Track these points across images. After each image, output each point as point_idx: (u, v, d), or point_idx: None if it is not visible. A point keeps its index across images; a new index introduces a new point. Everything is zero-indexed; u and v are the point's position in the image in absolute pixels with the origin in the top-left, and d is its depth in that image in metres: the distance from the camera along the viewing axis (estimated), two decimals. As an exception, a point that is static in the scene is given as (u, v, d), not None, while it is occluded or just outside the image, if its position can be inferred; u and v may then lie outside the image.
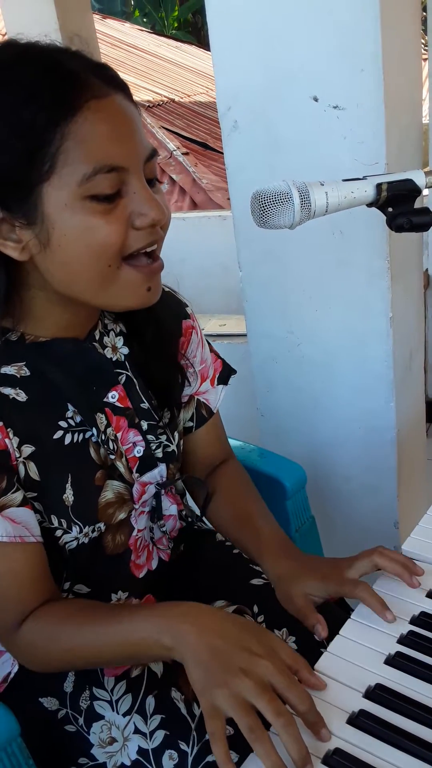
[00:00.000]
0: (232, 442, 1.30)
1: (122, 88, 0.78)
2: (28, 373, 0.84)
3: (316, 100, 1.25)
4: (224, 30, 1.29)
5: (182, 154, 5.65)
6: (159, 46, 9.36)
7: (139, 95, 6.51)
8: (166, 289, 1.02)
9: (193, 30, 13.87)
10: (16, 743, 0.82)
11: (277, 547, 0.96)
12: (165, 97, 7.07)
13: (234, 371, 1.12)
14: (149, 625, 0.76)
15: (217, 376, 1.09)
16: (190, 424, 1.06)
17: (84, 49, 0.79)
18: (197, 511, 1.05)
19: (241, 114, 1.33)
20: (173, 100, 7.11)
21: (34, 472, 0.83)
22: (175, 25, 13.85)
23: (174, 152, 5.68)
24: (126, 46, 8.43)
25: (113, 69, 0.78)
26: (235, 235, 1.46)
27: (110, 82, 0.76)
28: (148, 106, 6.44)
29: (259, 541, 0.98)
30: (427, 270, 2.79)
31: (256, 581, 1.01)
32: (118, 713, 0.87)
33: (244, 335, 1.59)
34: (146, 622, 0.76)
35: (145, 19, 13.45)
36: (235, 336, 1.96)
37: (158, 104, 6.70)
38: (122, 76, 0.80)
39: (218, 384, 1.09)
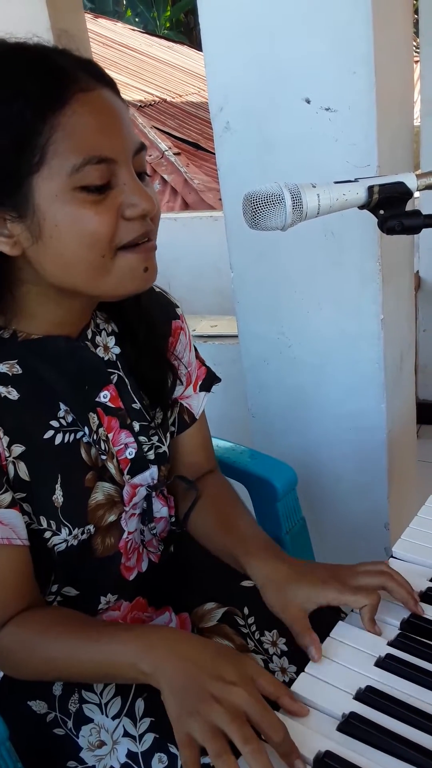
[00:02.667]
0: (222, 443, 1.30)
1: (109, 83, 0.79)
2: (20, 371, 0.83)
3: (308, 101, 1.25)
4: (216, 31, 1.29)
5: (174, 154, 5.65)
6: (151, 46, 9.35)
7: (130, 95, 6.52)
8: (157, 290, 1.02)
9: (185, 30, 13.87)
10: (5, 747, 0.82)
11: (264, 547, 0.92)
12: (157, 97, 7.06)
13: (218, 379, 1.11)
14: (128, 649, 0.75)
15: (199, 383, 1.08)
16: (172, 428, 1.05)
17: (72, 45, 0.79)
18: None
19: (233, 115, 1.33)
20: (165, 100, 7.10)
21: (24, 472, 0.82)
22: (167, 25, 13.84)
23: (165, 152, 5.67)
24: (118, 46, 8.42)
25: (100, 65, 0.79)
26: (226, 236, 1.45)
27: (97, 77, 0.77)
28: (140, 105, 6.42)
29: (243, 542, 0.94)
30: (418, 272, 2.81)
31: (246, 583, 1.01)
32: (107, 716, 0.87)
33: (236, 336, 1.58)
34: (125, 645, 0.76)
35: (137, 19, 13.44)
36: (227, 337, 1.95)
37: (150, 104, 6.69)
38: (114, 75, 0.80)
39: (200, 390, 1.08)
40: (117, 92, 0.80)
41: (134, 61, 8.18)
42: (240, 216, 0.84)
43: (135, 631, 0.79)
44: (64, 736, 0.88)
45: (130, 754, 0.82)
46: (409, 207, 0.87)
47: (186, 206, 5.17)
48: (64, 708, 0.89)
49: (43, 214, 0.74)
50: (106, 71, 0.80)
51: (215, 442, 1.30)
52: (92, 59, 0.79)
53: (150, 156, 5.66)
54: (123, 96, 0.81)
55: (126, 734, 0.84)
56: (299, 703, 0.71)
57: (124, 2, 13.77)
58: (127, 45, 8.72)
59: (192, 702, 0.68)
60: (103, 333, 0.93)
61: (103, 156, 0.74)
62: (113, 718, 0.86)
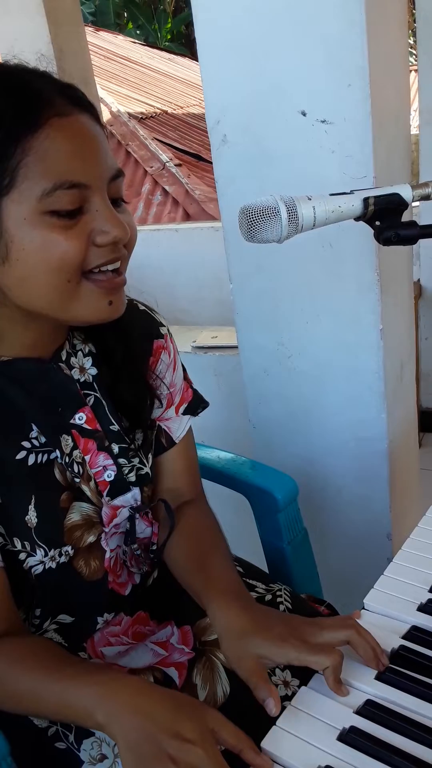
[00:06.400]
0: (223, 454, 1.30)
1: (88, 108, 0.78)
2: None
3: (304, 114, 1.25)
4: (212, 45, 1.30)
5: (175, 165, 5.68)
6: (152, 58, 9.43)
7: (132, 107, 6.57)
8: (142, 308, 1.00)
9: (186, 42, 13.95)
10: (6, 762, 0.82)
11: (228, 593, 0.86)
12: (158, 108, 7.10)
13: (206, 404, 1.08)
14: (86, 694, 0.72)
15: (184, 406, 1.04)
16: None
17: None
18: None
19: (230, 128, 1.34)
20: (166, 112, 7.15)
21: None
22: (168, 37, 13.94)
23: (167, 164, 5.71)
24: (119, 59, 8.49)
25: (80, 90, 0.79)
26: (225, 248, 1.46)
27: (76, 102, 0.77)
28: (141, 118, 6.46)
29: (209, 585, 0.88)
30: (419, 280, 2.81)
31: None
32: (108, 730, 0.86)
33: (236, 347, 1.59)
34: (85, 689, 0.73)
35: (138, 31, 13.53)
36: (227, 348, 1.95)
37: (151, 116, 6.73)
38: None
39: (185, 414, 1.04)
40: (96, 118, 0.79)
41: (135, 73, 8.25)
42: (238, 228, 0.85)
43: (96, 677, 0.75)
44: (66, 750, 0.87)
45: (132, 769, 0.82)
46: (405, 217, 0.88)
47: (187, 217, 5.19)
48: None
49: (11, 237, 0.73)
50: (87, 96, 0.79)
51: (216, 453, 1.30)
52: (72, 84, 0.79)
53: (151, 167, 5.70)
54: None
55: (127, 748, 0.83)
56: (262, 757, 0.68)
57: (125, 15, 13.87)
58: (128, 57, 8.79)
59: (148, 761, 0.65)
60: (80, 354, 0.92)
61: (75, 181, 0.73)
62: (114, 731, 0.86)
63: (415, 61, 2.75)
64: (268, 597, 1.04)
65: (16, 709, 0.82)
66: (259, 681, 0.75)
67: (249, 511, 1.25)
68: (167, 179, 5.59)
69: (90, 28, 8.63)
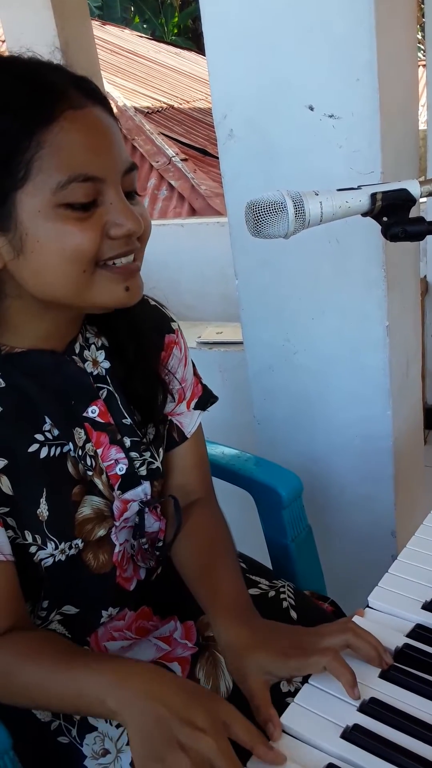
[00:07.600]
0: (227, 450, 1.30)
1: (101, 101, 0.78)
2: (3, 385, 0.83)
3: (311, 109, 1.25)
4: (220, 39, 1.30)
5: (181, 160, 5.67)
6: (158, 53, 9.40)
7: (138, 101, 6.56)
8: (152, 303, 1.00)
9: (192, 36, 13.90)
10: (8, 756, 0.82)
11: (233, 608, 0.86)
12: (164, 103, 7.09)
13: (215, 398, 1.08)
14: (98, 682, 0.72)
15: (195, 401, 1.05)
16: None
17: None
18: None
19: (236, 123, 1.33)
20: (172, 107, 7.14)
21: (6, 486, 0.81)
22: (175, 31, 13.90)
23: (173, 158, 5.70)
24: (125, 53, 8.47)
25: (94, 82, 0.79)
26: (231, 243, 1.45)
27: (89, 94, 0.77)
28: (147, 112, 6.45)
29: (214, 598, 0.88)
30: (425, 277, 2.80)
31: (253, 591, 1.01)
32: (111, 724, 0.87)
33: (241, 343, 1.58)
34: (96, 676, 0.72)
35: (145, 26, 13.49)
36: (232, 344, 1.95)
37: (157, 110, 6.72)
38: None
39: (195, 408, 1.05)
40: (109, 110, 0.79)
41: (142, 67, 8.23)
42: (244, 223, 0.84)
43: (108, 663, 0.75)
44: (68, 744, 0.88)
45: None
46: (413, 213, 0.87)
47: (193, 212, 5.19)
48: (68, 716, 0.89)
49: (25, 229, 0.74)
50: (100, 89, 0.79)
51: (220, 449, 1.30)
52: (86, 76, 0.79)
53: (157, 162, 5.69)
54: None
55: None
56: (275, 751, 0.67)
57: (132, 9, 13.83)
58: (135, 51, 8.77)
59: (158, 748, 0.65)
60: (93, 347, 0.92)
61: (90, 174, 0.73)
62: (117, 726, 0.86)
63: (423, 56, 2.73)
64: (272, 593, 1.04)
65: (25, 702, 0.82)
66: (260, 704, 0.74)
67: (253, 508, 1.25)
68: (173, 174, 5.59)
69: (96, 22, 8.61)
